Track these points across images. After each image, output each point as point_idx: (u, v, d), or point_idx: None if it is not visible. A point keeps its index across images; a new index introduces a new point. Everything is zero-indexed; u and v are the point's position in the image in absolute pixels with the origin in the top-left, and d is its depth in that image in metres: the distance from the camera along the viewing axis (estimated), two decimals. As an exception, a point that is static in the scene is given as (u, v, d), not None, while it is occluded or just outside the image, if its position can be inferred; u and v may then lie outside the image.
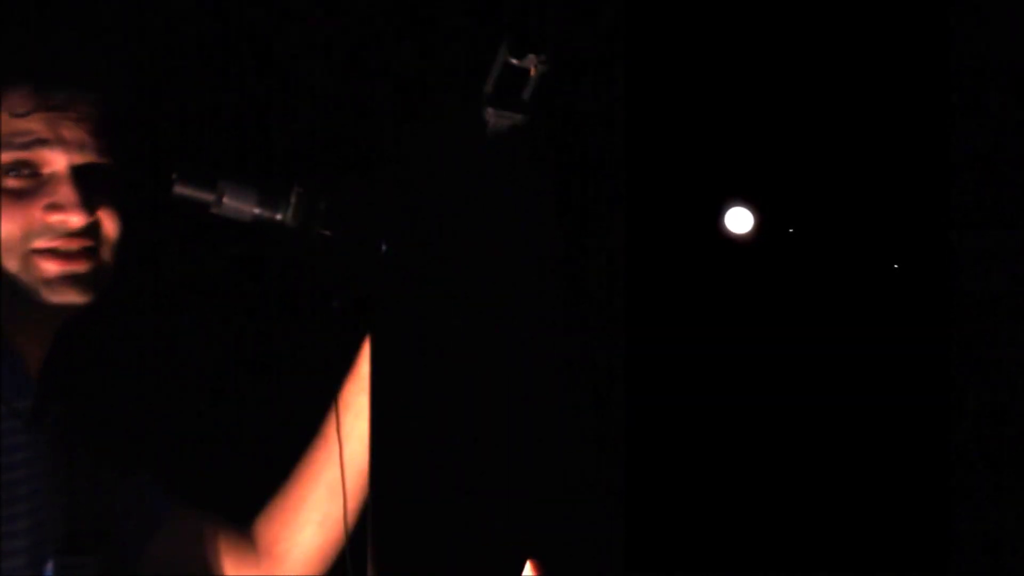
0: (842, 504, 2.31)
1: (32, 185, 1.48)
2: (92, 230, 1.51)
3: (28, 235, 1.47)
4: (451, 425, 1.50)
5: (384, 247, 1.51)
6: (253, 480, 1.73)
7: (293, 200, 1.51)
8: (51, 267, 1.48)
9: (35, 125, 1.47)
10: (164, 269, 1.55)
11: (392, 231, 1.52)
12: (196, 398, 2.12)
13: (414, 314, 1.52)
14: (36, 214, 1.48)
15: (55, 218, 1.49)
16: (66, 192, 1.48)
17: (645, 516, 2.06)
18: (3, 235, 1.46)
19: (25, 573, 1.38)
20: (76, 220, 1.49)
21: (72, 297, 1.49)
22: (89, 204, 1.49)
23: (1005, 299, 2.06)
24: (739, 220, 1.76)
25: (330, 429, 1.66)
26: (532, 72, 1.45)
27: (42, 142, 1.48)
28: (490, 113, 1.48)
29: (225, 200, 1.50)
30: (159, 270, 1.69)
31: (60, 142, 1.48)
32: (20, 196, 1.47)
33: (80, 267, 1.49)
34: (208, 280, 2.10)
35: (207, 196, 1.50)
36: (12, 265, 1.46)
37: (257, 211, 1.51)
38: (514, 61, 1.44)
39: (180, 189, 1.50)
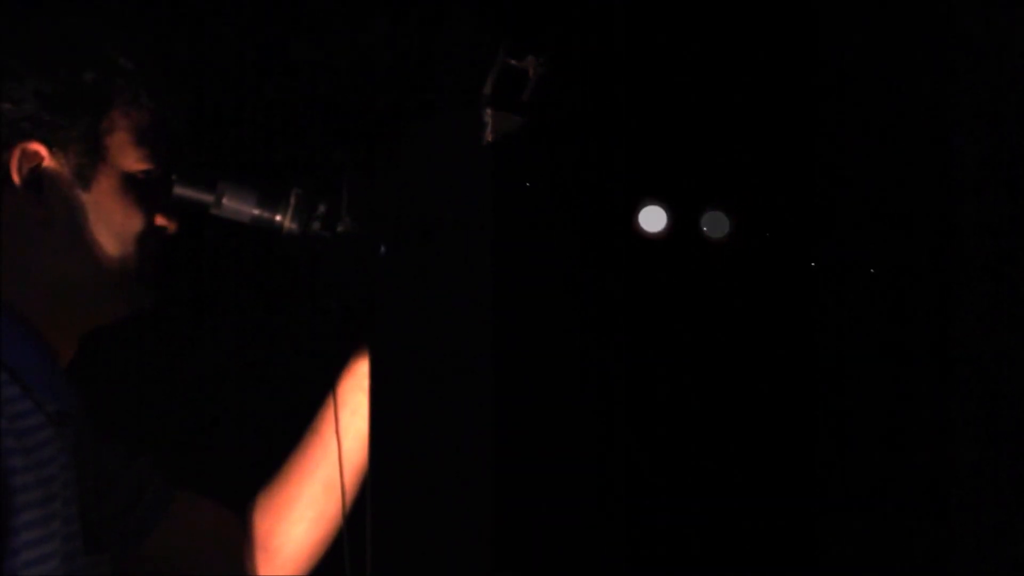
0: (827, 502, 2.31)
1: (153, 185, 1.48)
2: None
3: (151, 232, 1.48)
4: (449, 425, 1.50)
5: (383, 249, 1.51)
6: (251, 475, 1.74)
7: (292, 201, 1.51)
8: (151, 268, 1.49)
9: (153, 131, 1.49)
10: (164, 268, 1.56)
11: (391, 232, 1.52)
12: (196, 392, 2.13)
13: (412, 315, 1.52)
14: (157, 215, 1.49)
15: (167, 223, 1.50)
16: (170, 200, 1.50)
17: (645, 516, 2.06)
18: (127, 224, 1.46)
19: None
20: (174, 228, 1.51)
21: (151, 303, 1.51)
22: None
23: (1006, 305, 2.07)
24: (653, 219, 1.77)
25: (325, 426, 1.67)
26: (531, 74, 1.46)
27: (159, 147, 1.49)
28: (489, 114, 1.49)
29: (225, 201, 1.51)
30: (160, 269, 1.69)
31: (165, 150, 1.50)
32: (148, 191, 1.48)
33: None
34: (209, 279, 2.10)
35: (207, 197, 1.51)
36: (116, 257, 1.46)
37: (256, 212, 1.51)
38: (513, 63, 1.45)
39: (180, 190, 1.50)
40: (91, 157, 1.44)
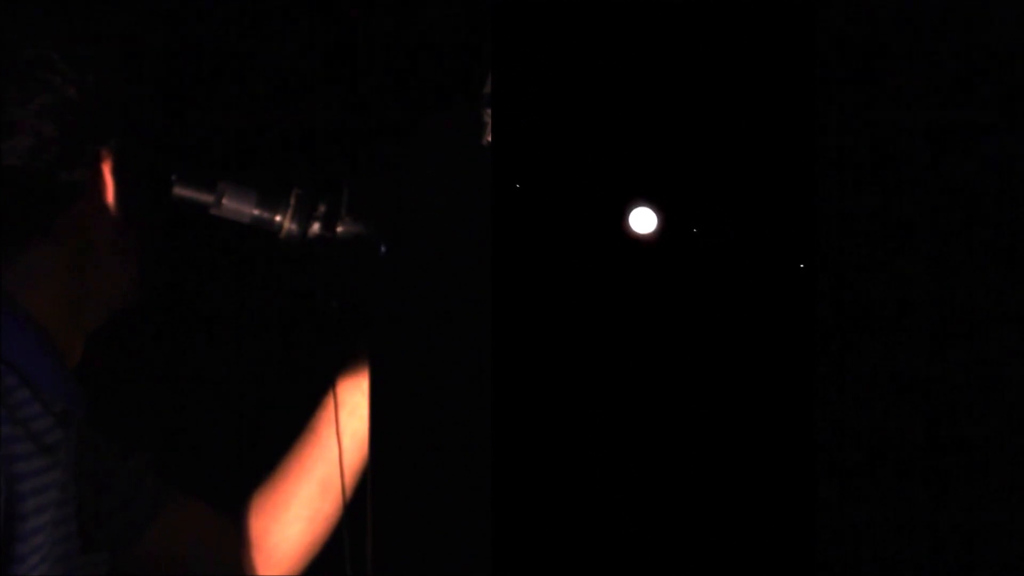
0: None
1: (157, 180, 1.49)
2: None
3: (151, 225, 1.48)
4: (449, 425, 1.51)
5: (383, 248, 1.51)
6: (248, 475, 1.74)
7: (292, 201, 1.51)
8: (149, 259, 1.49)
9: None
10: (162, 267, 1.56)
11: (391, 232, 1.52)
12: (194, 392, 2.13)
13: (412, 315, 1.52)
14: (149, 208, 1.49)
15: (157, 213, 1.50)
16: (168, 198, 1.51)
17: (641, 516, 2.07)
18: (147, 227, 1.46)
19: None
20: (161, 217, 1.51)
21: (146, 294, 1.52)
22: None
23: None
24: (643, 220, 1.78)
25: (322, 426, 1.67)
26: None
27: None
28: (488, 114, 1.49)
29: (225, 201, 1.51)
30: (157, 268, 1.69)
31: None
32: (154, 186, 1.48)
33: None
34: (208, 279, 2.10)
35: (206, 197, 1.51)
36: (139, 260, 1.46)
37: (256, 212, 1.51)
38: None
39: (179, 190, 1.50)
40: (138, 161, 1.44)
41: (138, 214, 1.44)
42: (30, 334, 1.38)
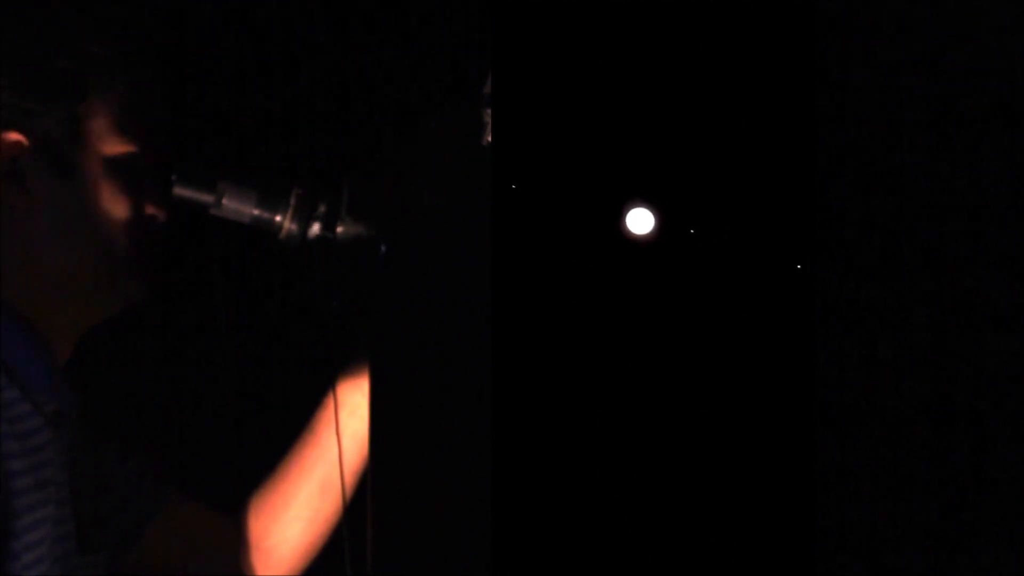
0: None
1: (137, 172, 1.48)
2: None
3: (139, 220, 1.47)
4: (449, 425, 1.51)
5: (383, 248, 1.51)
6: (246, 474, 1.74)
7: (293, 201, 1.51)
8: (143, 258, 1.48)
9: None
10: (159, 259, 1.56)
11: (391, 232, 1.52)
12: (193, 392, 2.13)
13: (412, 315, 1.52)
14: (145, 203, 1.48)
15: (156, 211, 1.49)
16: (159, 188, 1.50)
17: (639, 517, 2.07)
18: (112, 211, 1.45)
19: None
20: (164, 216, 1.50)
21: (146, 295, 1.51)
22: None
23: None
24: (640, 221, 1.79)
25: (322, 427, 1.67)
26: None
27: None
28: (488, 114, 1.49)
29: (225, 201, 1.51)
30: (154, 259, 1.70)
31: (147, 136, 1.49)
32: (131, 177, 1.47)
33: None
34: (207, 279, 2.10)
35: (207, 197, 1.51)
36: (104, 246, 1.44)
37: (256, 212, 1.51)
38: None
39: (180, 190, 1.50)
40: (71, 144, 1.42)
41: (58, 195, 1.43)
42: (21, 333, 1.39)
